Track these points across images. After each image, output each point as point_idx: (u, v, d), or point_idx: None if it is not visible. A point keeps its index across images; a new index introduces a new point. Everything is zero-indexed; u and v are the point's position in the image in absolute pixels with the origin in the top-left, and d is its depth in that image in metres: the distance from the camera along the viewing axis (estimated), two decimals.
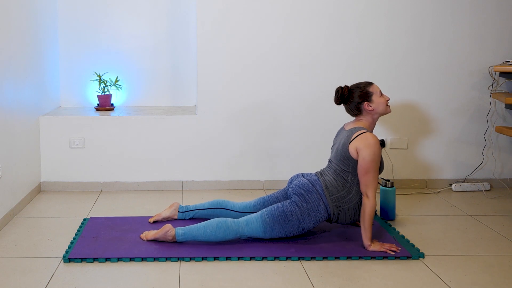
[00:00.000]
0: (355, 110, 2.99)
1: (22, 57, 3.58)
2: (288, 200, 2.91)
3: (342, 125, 3.12)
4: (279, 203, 2.91)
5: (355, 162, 2.88)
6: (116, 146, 3.99)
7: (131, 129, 3.98)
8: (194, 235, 2.86)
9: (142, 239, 2.94)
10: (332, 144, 3.15)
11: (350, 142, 2.88)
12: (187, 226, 2.91)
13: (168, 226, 2.90)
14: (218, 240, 2.86)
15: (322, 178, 2.94)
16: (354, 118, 3.06)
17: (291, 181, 3.07)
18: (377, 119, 3.02)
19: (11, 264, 2.69)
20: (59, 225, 3.26)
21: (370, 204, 2.81)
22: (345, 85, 3.02)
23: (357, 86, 3.01)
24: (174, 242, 2.89)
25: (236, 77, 3.99)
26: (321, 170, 3.04)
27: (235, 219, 2.90)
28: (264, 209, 2.92)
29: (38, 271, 2.61)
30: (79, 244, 2.89)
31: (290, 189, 2.98)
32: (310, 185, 2.90)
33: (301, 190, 2.90)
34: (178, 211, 3.27)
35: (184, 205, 3.51)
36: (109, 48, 4.39)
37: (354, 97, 2.97)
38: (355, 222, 3.19)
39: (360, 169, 2.84)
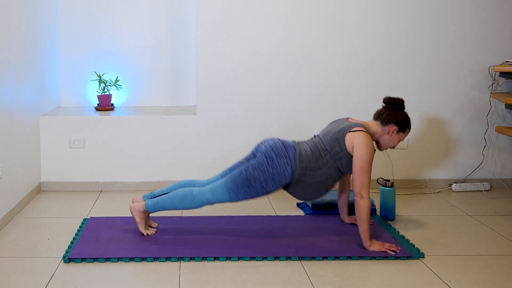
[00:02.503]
0: (384, 118, 2.97)
1: (22, 57, 3.58)
2: (252, 163, 2.88)
3: (347, 117, 3.11)
4: (242, 168, 2.89)
5: (342, 148, 2.87)
6: (116, 146, 3.99)
7: (131, 129, 3.98)
8: (162, 206, 2.95)
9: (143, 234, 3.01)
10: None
11: (350, 132, 2.88)
12: (156, 198, 2.99)
13: (136, 200, 3.04)
14: (186, 209, 2.93)
15: (299, 146, 2.93)
16: (366, 121, 3.05)
17: (265, 140, 2.99)
18: (375, 141, 3.03)
19: (11, 264, 2.69)
20: (59, 225, 3.26)
21: (366, 205, 2.80)
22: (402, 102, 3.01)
23: (408, 118, 3.00)
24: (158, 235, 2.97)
25: (236, 77, 3.99)
26: (300, 141, 3.03)
27: (200, 188, 2.94)
28: (228, 175, 2.93)
29: (38, 271, 2.61)
30: (79, 244, 2.89)
31: (261, 147, 2.94)
32: (283, 149, 2.88)
33: (272, 153, 2.86)
34: (145, 202, 3.13)
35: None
36: (109, 48, 4.39)
37: (398, 115, 2.96)
38: (352, 220, 3.20)
39: (357, 169, 2.82)
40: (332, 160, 2.89)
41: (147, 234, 3.01)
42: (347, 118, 3.06)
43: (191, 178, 4.03)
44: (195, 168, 4.02)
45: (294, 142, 2.97)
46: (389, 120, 2.96)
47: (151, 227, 3.13)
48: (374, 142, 3.00)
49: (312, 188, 2.91)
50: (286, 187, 2.94)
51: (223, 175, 3.06)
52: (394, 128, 2.96)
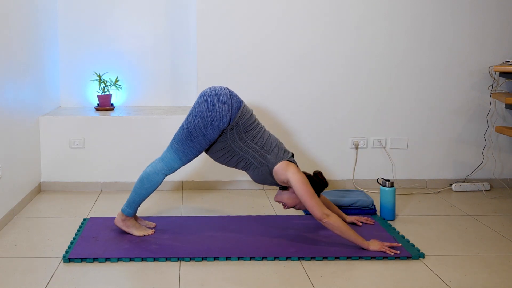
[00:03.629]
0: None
1: (22, 57, 3.58)
2: (192, 112, 2.87)
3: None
4: (183, 123, 2.89)
5: (272, 163, 2.84)
6: (116, 146, 3.99)
7: (131, 129, 3.98)
8: (134, 201, 2.98)
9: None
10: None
11: (288, 160, 2.87)
12: (127, 199, 3.01)
13: (117, 219, 3.06)
14: (152, 189, 2.95)
15: (246, 105, 2.90)
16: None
17: (212, 86, 2.94)
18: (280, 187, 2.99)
19: (11, 264, 2.69)
20: (59, 225, 3.26)
21: (335, 219, 2.75)
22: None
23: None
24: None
25: (236, 77, 3.99)
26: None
27: (152, 163, 2.99)
28: (172, 139, 2.94)
29: (38, 271, 2.61)
30: (79, 244, 2.89)
31: (203, 92, 2.89)
32: (228, 96, 2.85)
33: (214, 98, 2.83)
34: (127, 216, 3.06)
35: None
36: (109, 48, 4.39)
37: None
38: (352, 219, 3.20)
39: (305, 195, 2.75)
40: (255, 153, 2.87)
41: (144, 235, 3.00)
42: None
43: (190, 178, 4.03)
44: (196, 168, 4.01)
45: (242, 101, 2.92)
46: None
47: (149, 228, 3.13)
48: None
49: (225, 150, 2.89)
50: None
51: None
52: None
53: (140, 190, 2.97)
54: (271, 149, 2.90)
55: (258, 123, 2.97)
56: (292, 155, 2.97)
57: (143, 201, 3.01)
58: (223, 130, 2.86)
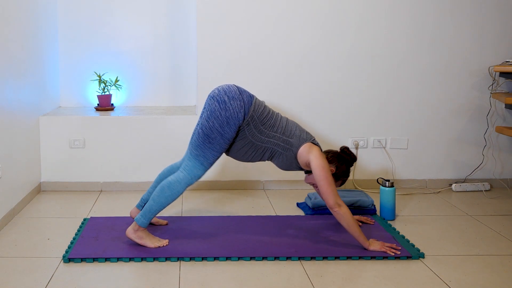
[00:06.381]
0: (330, 156, 2.97)
1: (22, 57, 3.58)
2: (205, 115, 2.83)
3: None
4: (198, 128, 2.85)
5: (295, 147, 2.86)
6: (116, 146, 3.99)
7: (131, 129, 3.98)
8: (150, 210, 2.84)
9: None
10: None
11: (310, 142, 2.89)
12: (143, 208, 2.88)
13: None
14: (172, 198, 2.83)
15: (257, 98, 2.89)
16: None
17: (219, 86, 2.93)
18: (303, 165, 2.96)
19: (11, 264, 2.69)
20: (59, 225, 3.26)
21: (346, 211, 2.78)
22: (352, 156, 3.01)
23: (347, 173, 3.00)
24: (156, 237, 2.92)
25: (236, 76, 3.99)
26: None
27: (174, 174, 2.88)
28: (189, 145, 2.88)
29: (38, 271, 2.61)
30: (79, 244, 2.89)
31: (212, 93, 2.86)
32: (238, 92, 2.83)
33: (224, 97, 2.80)
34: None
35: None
36: (109, 48, 4.40)
37: (343, 163, 2.96)
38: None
39: (323, 180, 2.78)
40: (278, 141, 2.87)
41: (158, 247, 2.87)
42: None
43: None
44: None
45: (253, 95, 2.91)
46: (332, 161, 2.96)
47: (161, 225, 3.16)
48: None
49: (247, 147, 2.87)
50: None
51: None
52: (331, 168, 2.93)
53: (159, 199, 2.83)
54: (293, 133, 2.89)
55: (273, 112, 2.94)
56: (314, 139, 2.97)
57: (160, 211, 2.87)
58: (240, 126, 2.82)
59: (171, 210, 3.53)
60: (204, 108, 2.87)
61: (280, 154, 2.90)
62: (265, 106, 2.92)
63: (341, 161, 2.96)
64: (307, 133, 2.96)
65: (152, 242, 2.87)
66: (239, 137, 2.86)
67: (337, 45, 3.99)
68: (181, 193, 2.86)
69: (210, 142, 2.81)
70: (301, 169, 2.97)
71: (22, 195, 3.57)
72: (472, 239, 3.07)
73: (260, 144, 2.88)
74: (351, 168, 4.05)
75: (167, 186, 2.84)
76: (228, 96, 2.80)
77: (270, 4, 3.94)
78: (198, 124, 2.90)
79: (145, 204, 3.11)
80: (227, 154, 2.97)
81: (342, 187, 4.05)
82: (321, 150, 2.92)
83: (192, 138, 2.90)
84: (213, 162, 2.88)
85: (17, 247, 2.91)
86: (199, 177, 2.87)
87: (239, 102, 2.79)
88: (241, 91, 2.85)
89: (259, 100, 2.92)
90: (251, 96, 2.87)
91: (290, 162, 2.92)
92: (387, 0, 3.95)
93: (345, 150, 3.00)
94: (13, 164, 3.41)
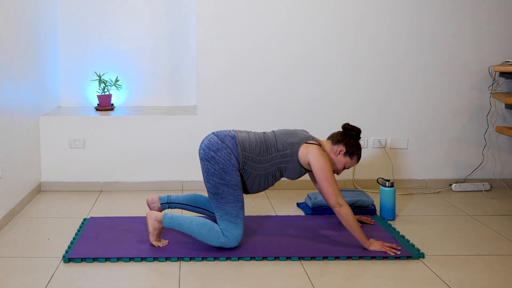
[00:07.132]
0: (335, 138, 2.96)
1: (22, 57, 3.58)
2: (204, 177, 2.86)
3: (305, 130, 3.08)
4: (208, 193, 2.86)
5: (293, 154, 2.86)
6: (116, 146, 3.99)
7: (131, 129, 3.98)
8: (179, 223, 2.84)
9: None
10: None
11: (306, 143, 2.88)
12: (175, 217, 2.87)
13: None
14: (199, 237, 2.81)
15: (238, 134, 2.90)
16: (320, 139, 3.00)
17: (201, 142, 2.95)
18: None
19: (11, 264, 2.69)
20: (59, 225, 3.26)
21: (348, 211, 2.78)
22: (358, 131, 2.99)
23: (359, 146, 2.97)
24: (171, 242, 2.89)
25: (236, 77, 3.99)
26: (244, 130, 3.00)
27: (219, 227, 2.85)
28: (214, 212, 2.87)
29: (38, 271, 2.61)
30: (79, 244, 2.89)
31: (199, 155, 2.89)
32: (219, 142, 2.85)
33: (210, 153, 2.83)
34: (161, 203, 3.19)
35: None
36: (109, 48, 4.40)
37: (350, 139, 2.94)
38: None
39: (323, 180, 2.80)
40: (278, 159, 2.88)
41: (159, 246, 2.88)
42: (305, 131, 3.05)
43: (191, 178, 4.03)
44: (196, 168, 4.01)
45: (232, 131, 2.93)
46: (339, 141, 2.94)
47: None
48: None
49: (257, 180, 2.90)
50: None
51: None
52: (341, 148, 2.92)
53: (195, 227, 2.82)
54: (286, 144, 2.90)
55: (258, 136, 2.94)
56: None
57: (184, 233, 2.92)
58: (239, 170, 2.85)
59: (171, 210, 3.53)
60: (202, 171, 2.90)
61: (286, 168, 2.92)
62: (249, 137, 2.91)
63: (348, 137, 2.95)
64: (296, 134, 2.95)
65: (155, 238, 2.88)
66: (245, 177, 2.89)
67: (337, 45, 3.99)
68: (208, 243, 2.82)
69: (222, 197, 2.82)
70: (310, 171, 2.96)
71: (22, 195, 3.57)
72: (472, 239, 3.07)
73: (266, 171, 2.90)
74: (351, 168, 4.07)
75: (210, 228, 2.81)
76: (213, 150, 2.83)
77: (270, 4, 3.94)
78: (205, 191, 2.94)
79: (168, 201, 3.18)
80: (247, 193, 3.00)
81: (342, 187, 4.05)
82: (319, 144, 2.90)
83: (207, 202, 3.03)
84: (241, 214, 2.84)
85: (17, 247, 2.91)
86: (239, 235, 2.81)
87: (225, 151, 2.82)
88: (222, 139, 2.86)
89: (241, 134, 2.91)
90: (233, 137, 2.87)
91: (298, 170, 2.93)
92: (387, 0, 3.95)
93: (346, 126, 2.99)
94: (13, 164, 3.41)
